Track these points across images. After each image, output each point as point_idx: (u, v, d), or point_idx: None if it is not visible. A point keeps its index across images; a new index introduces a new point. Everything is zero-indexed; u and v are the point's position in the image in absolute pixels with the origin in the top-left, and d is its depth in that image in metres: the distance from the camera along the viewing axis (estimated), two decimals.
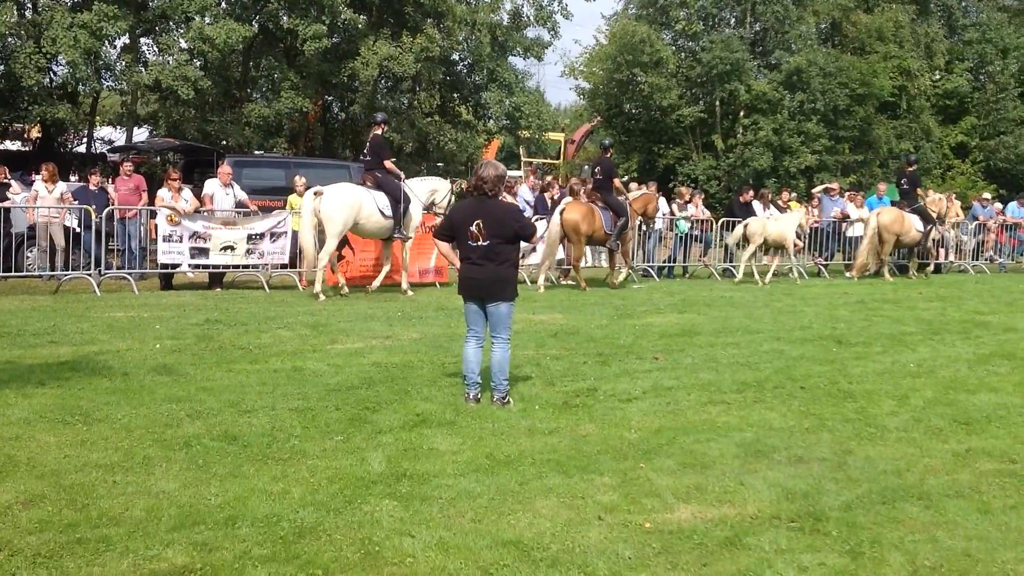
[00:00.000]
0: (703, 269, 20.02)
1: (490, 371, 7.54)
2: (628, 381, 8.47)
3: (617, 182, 17.30)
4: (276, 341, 10.16)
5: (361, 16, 23.54)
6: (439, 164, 27.32)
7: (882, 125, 34.47)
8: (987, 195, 25.97)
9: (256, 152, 22.52)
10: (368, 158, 14.96)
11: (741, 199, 20.60)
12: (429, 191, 15.48)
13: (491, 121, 28.31)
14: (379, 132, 15.03)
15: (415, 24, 23.93)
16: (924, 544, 4.87)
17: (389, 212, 14.35)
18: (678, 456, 6.24)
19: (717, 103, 33.40)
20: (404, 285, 14.97)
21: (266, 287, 15.01)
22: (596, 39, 34.89)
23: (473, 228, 7.40)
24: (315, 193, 14.04)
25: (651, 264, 19.14)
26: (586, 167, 35.99)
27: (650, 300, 14.84)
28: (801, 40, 33.43)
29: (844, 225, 21.26)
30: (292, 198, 16.15)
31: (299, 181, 16.26)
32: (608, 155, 18.24)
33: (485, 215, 7.42)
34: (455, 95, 27.27)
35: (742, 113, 33.53)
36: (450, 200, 15.65)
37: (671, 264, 19.95)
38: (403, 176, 15.12)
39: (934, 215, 20.72)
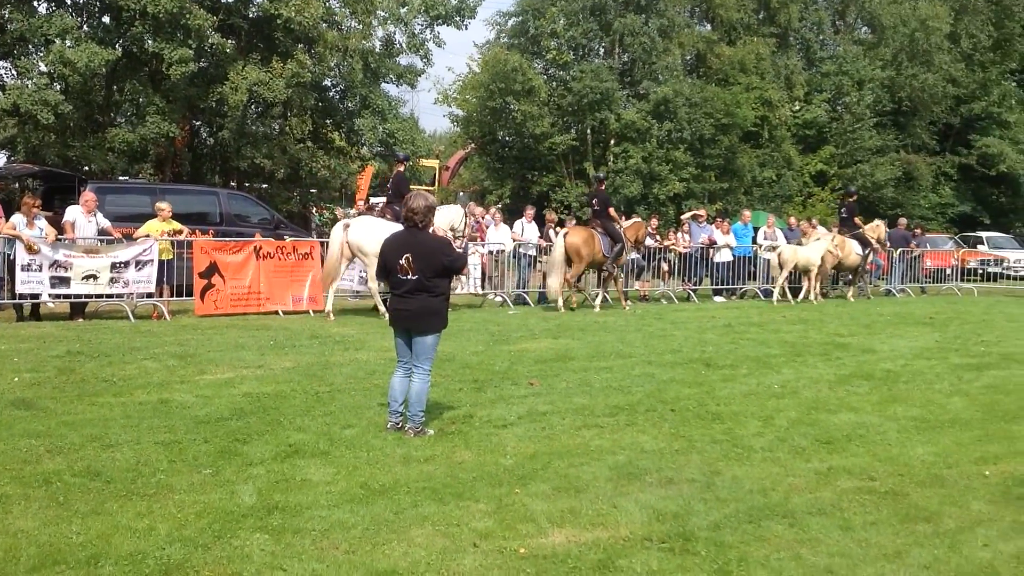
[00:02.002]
0: (577, 295, 20.25)
1: (408, 401, 7.47)
2: (504, 407, 8.49)
3: (613, 211, 18.70)
4: (141, 372, 9.85)
5: (229, 40, 23.14)
6: (312, 190, 27.01)
7: (746, 154, 35.56)
8: None
9: (120, 178, 21.86)
10: (391, 192, 16.15)
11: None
12: (448, 220, 16.25)
13: (365, 147, 28.14)
14: (401, 169, 16.69)
15: (285, 49, 23.65)
16: (789, 561, 5.00)
17: None
18: (553, 480, 6.28)
19: (588, 131, 33.93)
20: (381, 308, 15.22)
21: (131, 317, 14.55)
22: (469, 67, 35.22)
23: (403, 262, 7.33)
24: (344, 226, 15.20)
25: (525, 290, 19.27)
26: (461, 197, 36.15)
27: (525, 326, 14.93)
28: (668, 71, 34.27)
29: (711, 251, 21.82)
30: (150, 223, 15.62)
31: (162, 207, 15.76)
32: (602, 187, 19.42)
33: (415, 249, 7.35)
34: (328, 121, 27.01)
35: (612, 141, 34.15)
36: (466, 223, 17.03)
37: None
38: None
39: (873, 240, 22.68)
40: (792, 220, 25.66)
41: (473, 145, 36.24)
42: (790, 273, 20.83)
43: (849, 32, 43.45)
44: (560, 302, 17.65)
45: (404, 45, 27.57)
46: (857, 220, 23.19)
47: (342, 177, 26.58)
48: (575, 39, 33.89)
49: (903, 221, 27.46)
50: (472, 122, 34.76)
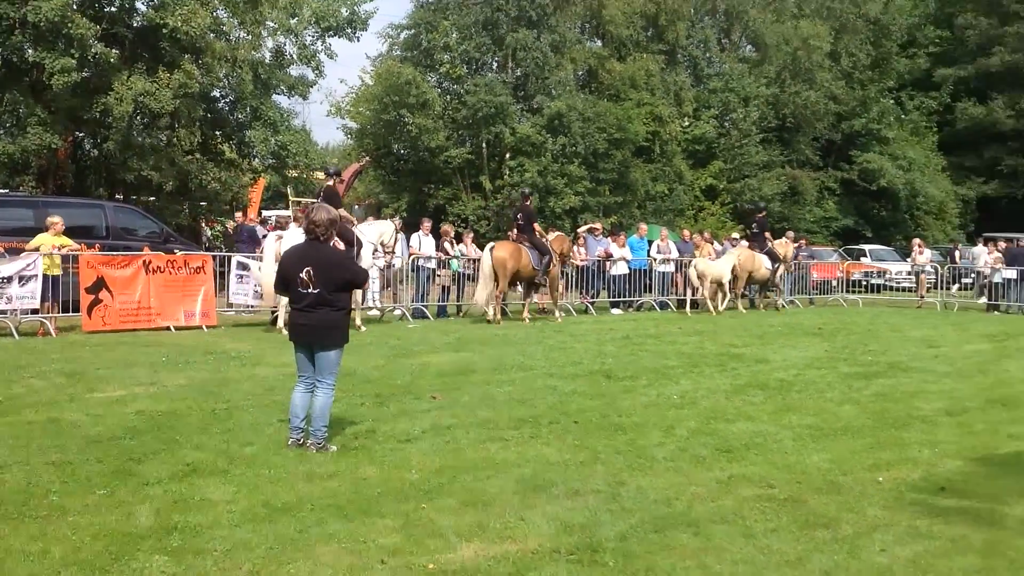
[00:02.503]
0: (476, 308, 20.26)
1: (311, 417, 7.34)
2: (407, 421, 8.42)
3: (537, 226, 19.38)
4: (29, 391, 9.49)
5: (113, 50, 22.46)
6: (202, 203, 26.41)
7: (638, 168, 36.06)
8: (735, 235, 27.68)
9: (1, 191, 21.05)
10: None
11: (510, 238, 21.09)
12: (378, 234, 17.05)
13: (256, 160, 27.66)
14: (331, 183, 16.53)
15: (172, 59, 23.08)
16: (694, 570, 5.05)
17: None
18: (459, 495, 6.24)
19: (484, 145, 33.98)
20: (359, 320, 15.73)
21: (15, 334, 14.00)
22: (362, 79, 34.94)
23: (303, 275, 7.18)
24: (277, 237, 15.49)
25: (425, 304, 19.18)
26: (357, 210, 35.84)
27: (426, 339, 14.85)
28: (560, 86, 34.55)
29: (608, 264, 22.06)
30: (41, 237, 15.08)
31: (53, 221, 15.21)
32: (528, 202, 19.88)
33: (316, 262, 7.22)
34: (217, 133, 26.45)
35: (508, 155, 34.28)
36: (396, 239, 17.59)
37: (445, 303, 20.05)
38: (356, 222, 17.00)
39: (781, 256, 23.61)
40: (685, 233, 26.18)
41: (368, 158, 35.96)
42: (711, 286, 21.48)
43: (734, 50, 44.51)
44: (490, 312, 18.03)
45: (295, 56, 27.28)
46: (767, 235, 23.99)
47: (233, 190, 26.01)
48: (468, 53, 33.92)
49: (790, 234, 28.17)
50: (366, 135, 34.51)
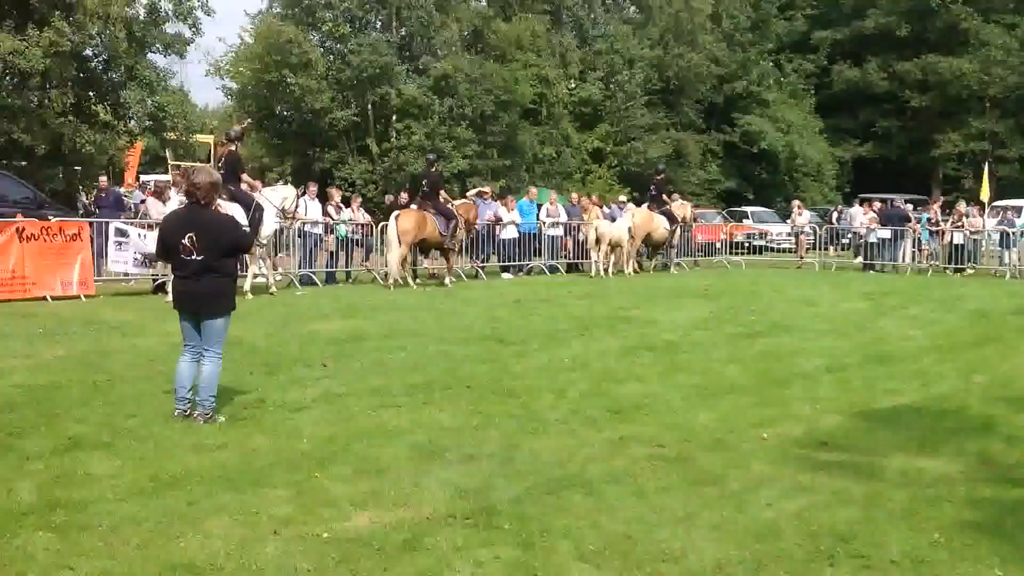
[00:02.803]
0: (366, 274, 20.05)
1: (198, 387, 7.16)
2: (297, 390, 8.31)
3: (443, 193, 19.53)
4: None
5: None
6: (76, 168, 25.48)
7: (526, 131, 36.09)
8: (623, 198, 27.94)
9: None
10: (223, 172, 15.41)
11: (399, 202, 21.04)
12: (280, 199, 17.03)
13: (132, 121, 26.73)
14: (233, 148, 16.40)
15: (41, 16, 22.10)
16: (589, 530, 5.10)
17: (244, 221, 14.86)
18: (352, 463, 6.19)
19: (369, 107, 33.52)
20: (247, 286, 15.61)
21: None
22: (241, 38, 33.98)
23: (185, 241, 6.94)
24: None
25: (312, 270, 18.90)
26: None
27: (315, 306, 14.65)
28: (446, 46, 34.28)
29: (497, 228, 22.05)
30: None
31: None
32: (434, 168, 20.04)
33: (198, 227, 6.99)
34: (91, 94, 25.44)
35: (394, 117, 33.88)
36: (297, 205, 17.70)
37: (334, 269, 19.76)
38: (260, 187, 17.16)
39: (679, 218, 24.02)
40: (574, 196, 26.33)
41: (249, 120, 35.10)
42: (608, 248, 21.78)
43: (619, 11, 44.79)
44: (391, 279, 17.92)
45: (170, 13, 26.30)
46: (665, 197, 24.32)
47: (108, 152, 25.13)
48: (351, 11, 33.30)
49: (676, 197, 28.63)
50: (247, 96, 33.67)
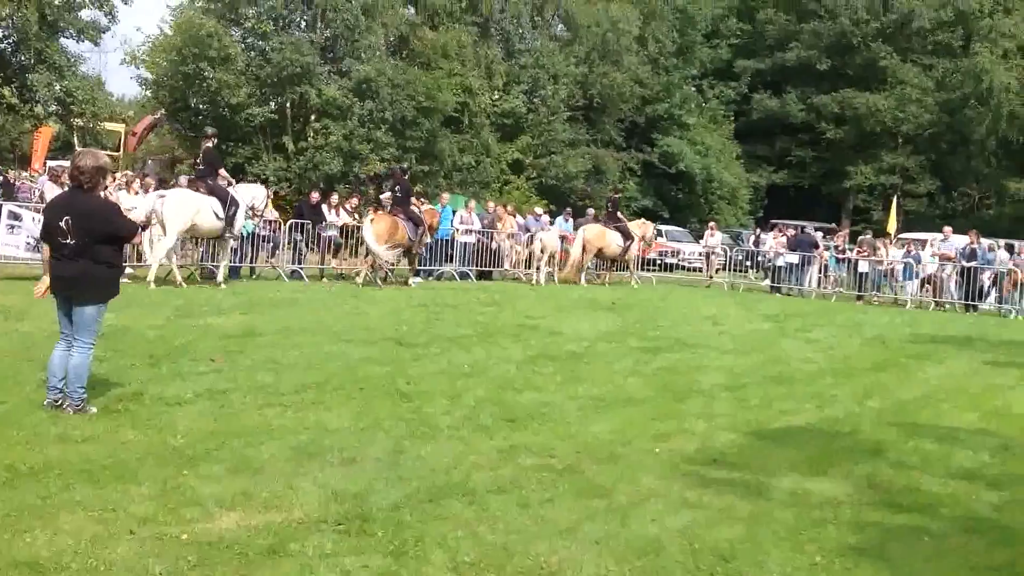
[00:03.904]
0: (271, 270, 19.62)
1: (67, 377, 6.80)
2: (180, 384, 7.98)
3: (414, 199, 20.45)
4: None
5: None
6: None
7: (446, 138, 35.79)
8: (539, 209, 27.95)
9: None
10: (201, 167, 16.99)
11: (310, 201, 20.75)
12: (251, 196, 17.72)
13: (39, 106, 25.85)
14: (210, 144, 17.28)
15: None
16: (466, 540, 4.93)
17: (222, 214, 16.24)
18: (227, 461, 5.92)
19: (288, 105, 32.92)
20: (220, 278, 16.67)
21: None
22: (161, 29, 33.08)
23: (62, 224, 6.65)
24: (159, 196, 16.07)
25: (215, 264, 18.39)
26: (149, 164, 34.18)
27: (213, 300, 14.20)
28: (370, 50, 33.84)
29: None
30: None
31: None
32: (406, 176, 21.05)
33: (75, 212, 6.69)
34: None
35: (313, 117, 33.32)
36: (267, 203, 18.60)
37: (239, 264, 19.27)
38: (234, 182, 17.80)
39: (637, 235, 25.03)
40: (490, 205, 26.22)
41: (163, 111, 34.25)
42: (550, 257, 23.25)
43: (546, 28, 44.79)
44: (360, 279, 18.83)
45: None
46: (619, 214, 25.44)
47: (12, 136, 24.29)
48: (275, 9, 32.68)
49: (591, 212, 28.75)
50: (162, 86, 32.81)
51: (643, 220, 27.25)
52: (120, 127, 36.75)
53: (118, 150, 35.11)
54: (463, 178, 36.41)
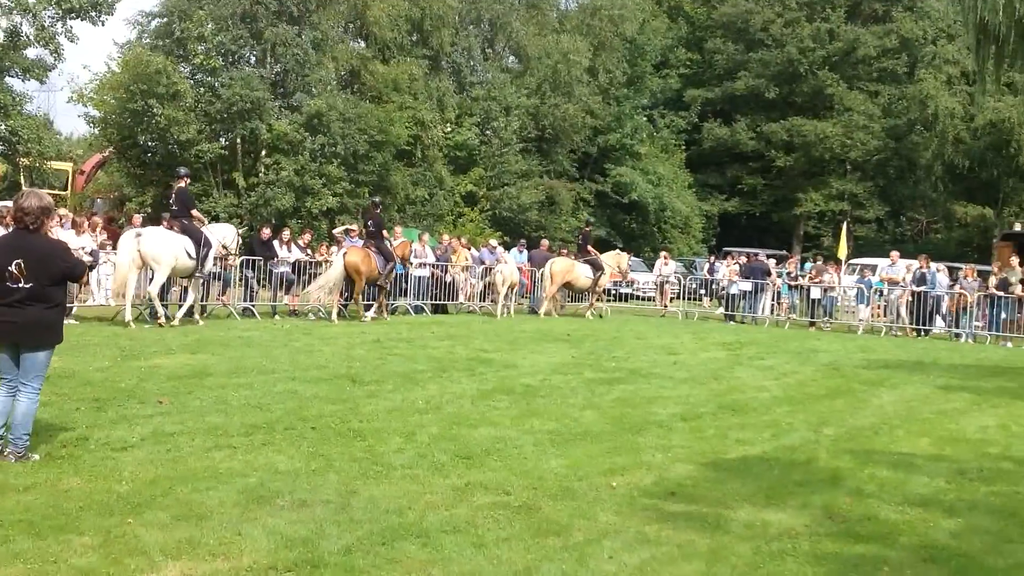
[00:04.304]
0: (222, 308, 19.36)
1: (11, 423, 6.62)
2: (125, 428, 7.78)
3: (385, 233, 20.82)
4: None
5: None
6: None
7: (399, 172, 35.74)
8: (493, 241, 27.91)
9: None
10: (175, 208, 17.12)
11: (261, 237, 20.54)
12: (222, 236, 17.98)
13: None
14: (183, 184, 17.35)
15: None
16: None
17: (194, 253, 16.53)
18: (173, 508, 5.75)
19: (238, 140, 32.72)
20: (181, 314, 16.88)
21: None
22: (108, 66, 32.74)
23: (13, 268, 6.48)
24: (136, 235, 16.21)
25: (165, 303, 18.11)
26: (98, 203, 33.72)
27: (162, 340, 13.95)
28: (321, 84, 33.75)
29: None
30: None
31: None
32: (378, 210, 21.20)
33: (27, 253, 6.53)
34: None
35: (264, 152, 33.13)
36: (238, 243, 18.70)
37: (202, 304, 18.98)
38: (206, 222, 18.24)
39: (609, 267, 25.24)
40: (445, 237, 26.16)
41: (112, 149, 33.84)
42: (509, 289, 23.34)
43: (498, 60, 45.03)
44: (334, 315, 19.24)
45: (32, 37, 25.33)
46: (589, 248, 25.60)
47: None
48: (224, 45, 32.54)
49: (545, 243, 28.81)
50: (111, 124, 32.44)
51: (618, 251, 27.57)
52: (68, 166, 36.26)
53: (66, 189, 34.64)
54: (416, 211, 36.35)
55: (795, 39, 49.92)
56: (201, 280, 17.39)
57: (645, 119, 49.21)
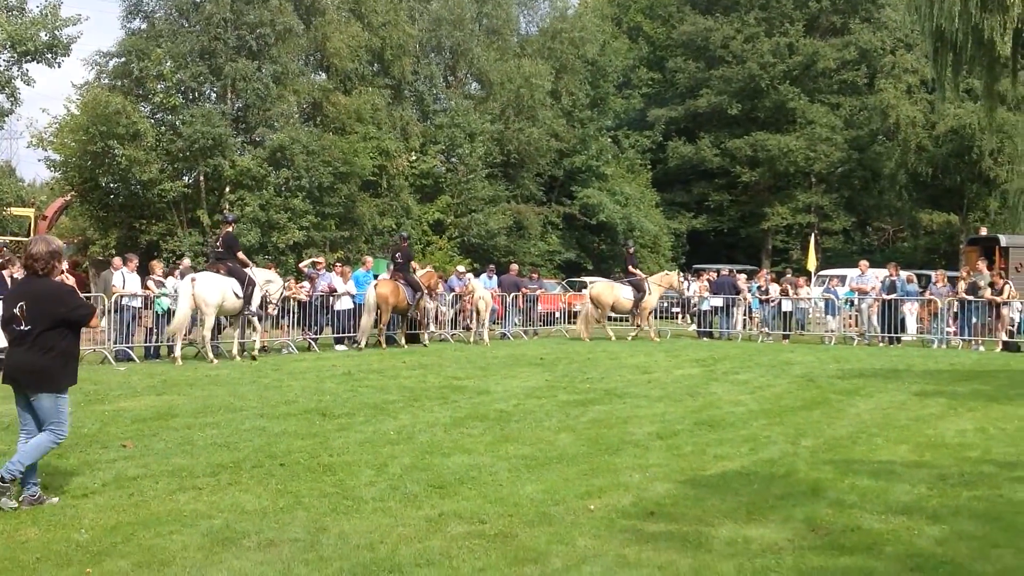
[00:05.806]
0: (190, 348, 19.06)
1: (18, 454, 6.63)
2: (87, 474, 7.56)
3: (414, 264, 22.30)
4: None
5: None
6: None
7: (366, 203, 35.61)
8: (462, 268, 27.74)
9: None
10: (221, 251, 18.27)
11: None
12: (265, 280, 18.81)
13: None
14: (230, 229, 18.68)
15: None
16: None
17: (241, 294, 17.59)
18: (134, 555, 5.54)
19: (201, 178, 32.45)
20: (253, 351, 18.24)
21: None
22: (67, 108, 32.44)
23: (16, 311, 6.53)
24: (191, 280, 17.22)
25: (130, 345, 17.84)
26: (65, 248, 33.23)
27: (127, 383, 13.68)
28: (283, 118, 33.57)
29: (332, 299, 21.45)
30: None
31: None
32: (406, 244, 22.54)
33: (29, 296, 6.59)
34: None
35: (228, 188, 32.87)
36: (281, 294, 19.52)
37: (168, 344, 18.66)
38: (252, 264, 19.17)
39: (659, 288, 25.19)
40: (415, 266, 25.94)
41: (73, 192, 33.46)
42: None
43: (460, 87, 45.06)
44: (363, 343, 20.71)
45: None
46: (631, 268, 25.54)
47: None
48: (184, 82, 32.31)
49: (514, 267, 28.69)
50: (71, 167, 32.10)
51: (666, 271, 27.69)
52: (30, 211, 35.85)
53: (29, 235, 34.19)
54: (384, 241, 36.18)
55: (755, 55, 50.34)
56: (255, 318, 18.32)
57: (610, 140, 49.44)
